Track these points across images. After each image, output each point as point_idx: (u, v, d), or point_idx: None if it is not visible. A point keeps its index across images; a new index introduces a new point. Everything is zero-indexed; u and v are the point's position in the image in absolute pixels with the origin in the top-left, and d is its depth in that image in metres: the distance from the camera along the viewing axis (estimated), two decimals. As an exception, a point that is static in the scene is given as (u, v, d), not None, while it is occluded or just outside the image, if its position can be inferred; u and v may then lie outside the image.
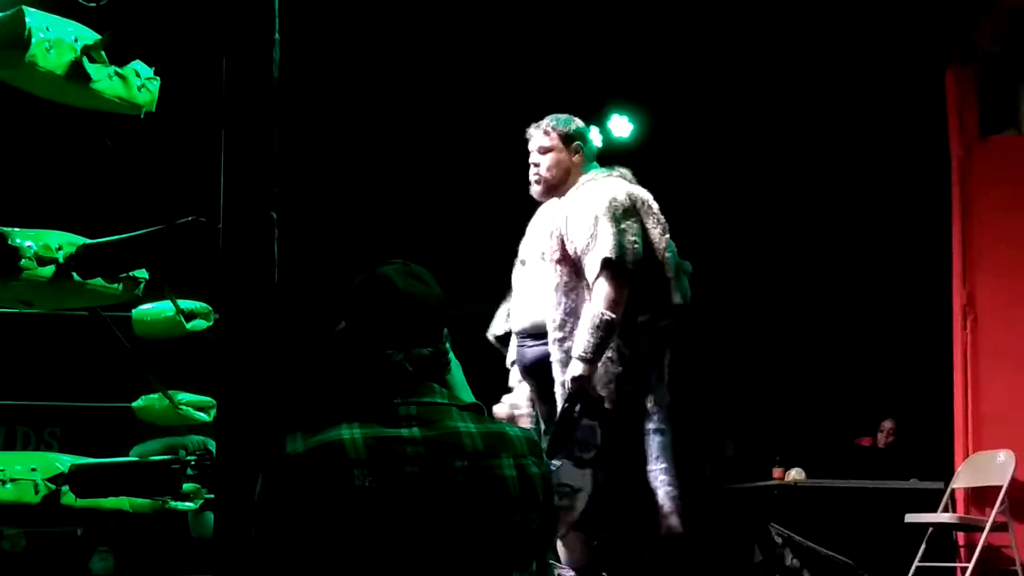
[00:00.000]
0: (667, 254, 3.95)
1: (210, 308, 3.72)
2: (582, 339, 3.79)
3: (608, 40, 7.09)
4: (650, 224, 3.95)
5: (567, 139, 4.07)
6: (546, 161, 4.06)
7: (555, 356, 3.90)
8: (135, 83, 2.41)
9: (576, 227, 3.91)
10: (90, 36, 2.37)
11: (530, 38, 6.99)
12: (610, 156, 4.44)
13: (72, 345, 8.60)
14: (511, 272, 4.24)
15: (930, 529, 6.05)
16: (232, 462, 2.06)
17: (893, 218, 7.95)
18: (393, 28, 6.85)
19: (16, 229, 2.34)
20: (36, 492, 2.29)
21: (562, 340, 3.87)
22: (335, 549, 1.78)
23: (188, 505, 2.91)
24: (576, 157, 4.08)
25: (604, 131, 7.83)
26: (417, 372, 1.90)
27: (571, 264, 3.92)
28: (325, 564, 1.78)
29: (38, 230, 2.36)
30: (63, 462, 2.34)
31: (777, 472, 7.00)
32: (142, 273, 2.42)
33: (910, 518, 6.02)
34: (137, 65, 2.41)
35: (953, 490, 6.15)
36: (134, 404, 4.36)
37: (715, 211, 8.07)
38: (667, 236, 3.96)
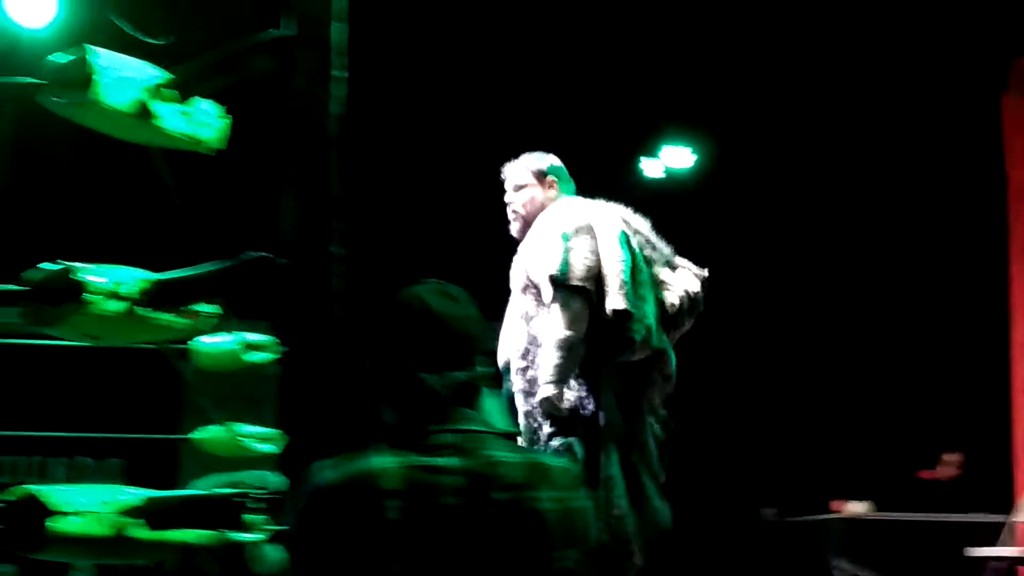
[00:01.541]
0: (620, 279, 3.78)
1: (273, 340, 3.76)
2: (545, 363, 3.70)
3: (668, 68, 7.09)
4: (604, 245, 3.82)
5: (540, 175, 4.07)
6: (521, 198, 4.05)
7: (517, 386, 3.82)
8: (202, 120, 2.45)
9: (534, 252, 3.89)
10: (157, 74, 2.42)
11: (590, 67, 7.01)
12: (669, 188, 4.43)
13: (134, 377, 8.71)
14: None
15: (992, 563, 5.95)
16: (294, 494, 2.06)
17: (951, 246, 7.88)
18: (451, 62, 6.90)
19: (83, 264, 2.37)
20: (105, 525, 2.30)
21: (524, 369, 3.81)
22: None
23: (252, 537, 2.92)
24: (551, 192, 4.06)
25: (662, 162, 7.80)
26: (451, 397, 1.84)
27: (535, 291, 3.88)
28: None
29: (106, 265, 2.39)
30: (132, 495, 2.36)
31: (836, 504, 6.92)
32: (209, 307, 2.44)
33: (971, 552, 5.93)
34: (206, 103, 2.45)
35: (1014, 523, 6.05)
36: (196, 436, 4.41)
37: (773, 239, 8.02)
38: (624, 267, 3.80)
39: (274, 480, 4.71)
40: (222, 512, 2.40)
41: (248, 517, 2.46)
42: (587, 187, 4.22)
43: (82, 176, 7.82)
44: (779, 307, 7.73)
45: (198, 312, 2.49)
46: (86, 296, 2.30)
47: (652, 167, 7.95)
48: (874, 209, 8.00)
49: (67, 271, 2.32)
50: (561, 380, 3.69)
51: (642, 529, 3.78)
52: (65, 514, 2.27)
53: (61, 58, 2.37)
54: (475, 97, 7.08)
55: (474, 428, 1.84)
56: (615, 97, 7.09)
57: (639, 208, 4.15)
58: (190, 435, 4.44)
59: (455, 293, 1.91)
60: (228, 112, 2.45)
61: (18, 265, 2.49)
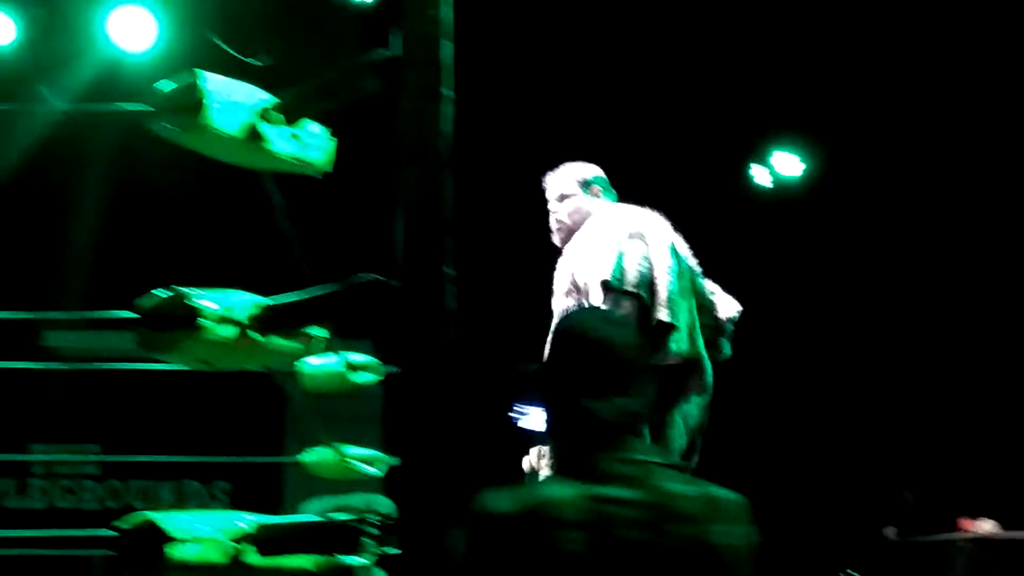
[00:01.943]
0: (668, 289, 3.68)
1: (377, 362, 3.74)
2: None
3: (776, 72, 6.99)
4: (655, 253, 3.72)
5: (585, 185, 4.02)
6: (566, 208, 4.00)
7: None
8: (310, 143, 2.44)
9: (582, 255, 3.83)
10: (265, 97, 2.42)
11: (696, 71, 6.93)
12: (778, 195, 4.34)
13: (238, 400, 8.82)
14: None
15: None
16: (414, 518, 2.04)
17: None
18: (553, 73, 6.88)
19: (196, 289, 2.38)
20: (221, 552, 2.30)
21: None
22: None
23: (361, 561, 2.91)
24: (596, 201, 4.00)
25: (771, 169, 7.70)
26: (617, 424, 1.81)
27: (578, 294, 3.82)
28: None
29: (218, 290, 2.39)
30: (247, 521, 2.35)
31: (965, 523, 6.69)
32: (320, 331, 2.44)
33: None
34: (312, 125, 2.45)
35: None
36: (303, 458, 4.42)
37: (889, 251, 7.85)
38: (672, 276, 3.69)
39: (381, 503, 4.71)
40: (336, 537, 2.38)
41: (362, 541, 2.45)
42: (696, 194, 4.15)
43: (192, 202, 7.94)
44: (899, 317, 7.54)
45: (309, 335, 2.49)
46: (199, 321, 2.30)
47: (761, 174, 7.85)
48: (992, 216, 7.79)
49: (180, 297, 2.33)
50: None
51: None
52: (182, 541, 2.27)
53: (170, 84, 2.38)
54: (579, 108, 7.05)
55: (644, 458, 1.81)
56: (724, 104, 7.00)
57: (750, 215, 4.07)
58: (298, 457, 4.45)
59: (617, 319, 1.91)
60: (337, 134, 2.44)
61: (131, 292, 2.50)
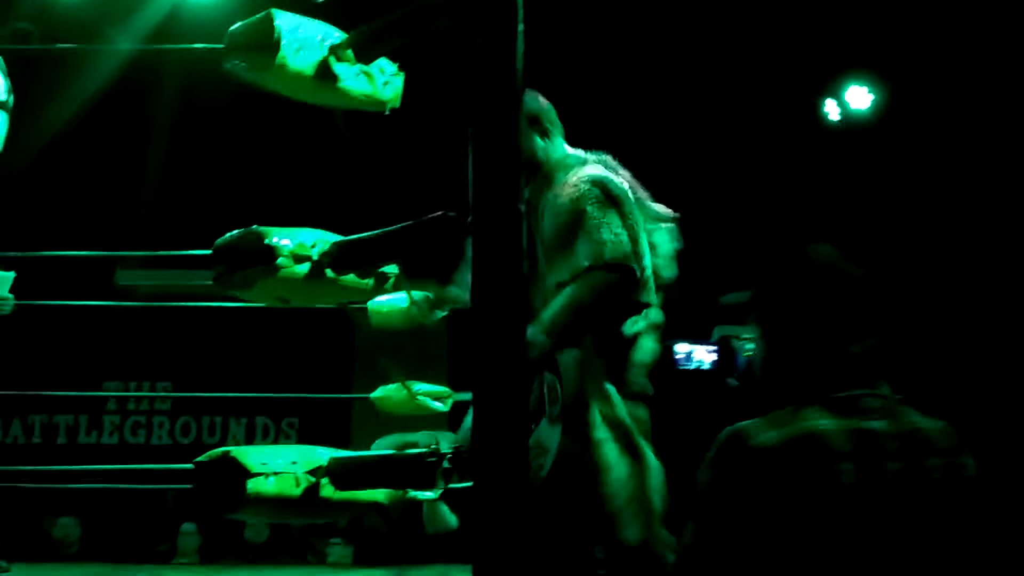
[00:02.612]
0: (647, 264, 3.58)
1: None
2: (552, 309, 3.43)
3: (846, 5, 6.87)
4: (635, 219, 3.60)
5: (533, 122, 3.66)
6: None
7: None
8: (380, 80, 2.44)
9: (556, 218, 3.58)
10: (336, 35, 2.42)
11: (768, 5, 6.84)
12: (848, 129, 4.26)
13: (309, 337, 8.93)
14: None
15: None
16: (491, 453, 2.05)
17: None
18: (627, 15, 6.82)
19: (272, 228, 2.40)
20: (297, 485, 2.33)
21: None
22: (801, 546, 1.71)
23: (430, 495, 2.94)
24: (549, 145, 3.70)
25: (841, 103, 7.60)
26: (868, 361, 1.83)
27: (535, 258, 3.58)
28: (785, 560, 1.71)
29: (293, 228, 2.42)
30: (322, 455, 2.38)
31: None
32: (392, 268, 2.45)
33: None
34: (382, 62, 2.44)
35: None
36: (373, 395, 4.47)
37: (957, 183, 7.72)
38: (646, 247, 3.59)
39: (447, 440, 4.76)
40: (409, 470, 2.40)
41: (435, 475, 2.47)
42: (769, 129, 4.09)
43: (262, 140, 7.99)
44: (967, 249, 7.41)
45: (382, 273, 2.51)
46: (275, 259, 2.33)
47: (831, 108, 7.76)
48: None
49: (257, 236, 2.35)
50: (553, 334, 3.41)
51: None
52: (260, 474, 2.30)
53: (244, 23, 2.39)
54: (650, 42, 6.98)
55: (891, 395, 1.82)
56: (795, 39, 6.90)
57: (822, 149, 3.99)
58: (369, 394, 4.50)
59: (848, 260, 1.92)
60: (409, 70, 2.44)
61: (208, 231, 2.53)
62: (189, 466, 2.49)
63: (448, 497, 2.87)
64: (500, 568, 2.02)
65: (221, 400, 9.12)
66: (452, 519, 5.84)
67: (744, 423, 1.77)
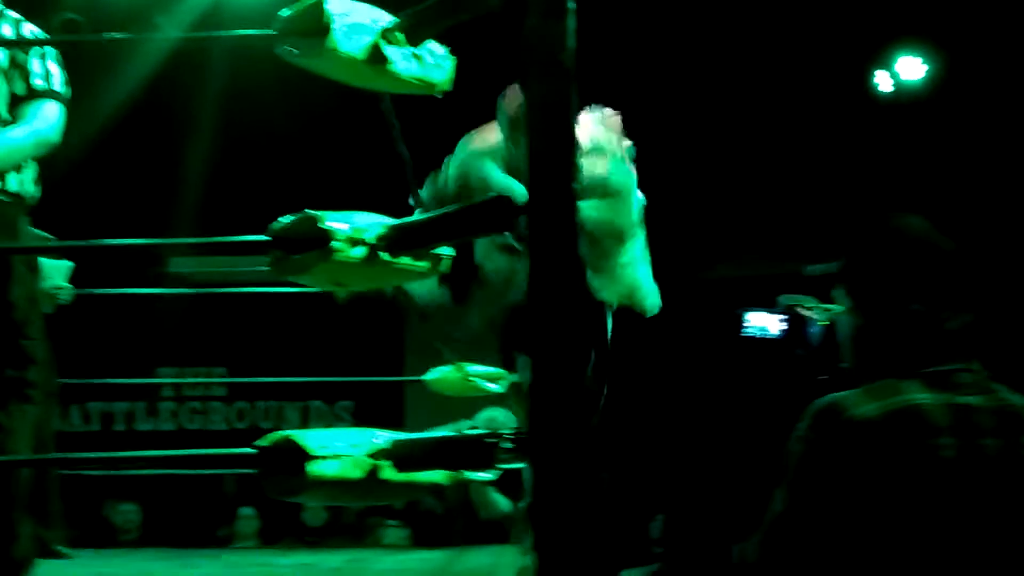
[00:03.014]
0: None
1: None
2: None
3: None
4: None
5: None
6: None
7: None
8: (431, 63, 2.44)
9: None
10: (387, 18, 2.42)
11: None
12: (900, 101, 4.22)
13: (362, 320, 8.98)
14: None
15: None
16: (550, 433, 2.05)
17: None
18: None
19: (326, 212, 2.41)
20: (357, 468, 2.34)
21: None
22: (896, 520, 1.70)
23: (485, 476, 2.95)
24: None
25: (893, 73, 7.52)
26: (963, 337, 1.83)
27: None
28: (879, 533, 1.70)
29: (347, 212, 2.42)
30: (381, 437, 2.39)
31: None
32: (447, 250, 2.46)
33: None
34: (432, 44, 2.44)
35: None
36: (427, 376, 4.48)
37: (1009, 156, 7.63)
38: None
39: (504, 419, 4.78)
40: (468, 452, 2.41)
41: (493, 456, 2.48)
42: (818, 100, 4.07)
43: (310, 125, 8.02)
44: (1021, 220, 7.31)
45: (437, 255, 2.51)
46: (330, 243, 2.33)
47: (884, 80, 7.69)
48: None
49: (311, 219, 2.36)
50: None
51: None
52: (321, 457, 2.32)
53: (294, 8, 2.40)
54: (701, 11, 6.94)
55: (982, 371, 1.82)
56: (846, 8, 6.83)
57: (873, 122, 3.98)
58: (423, 376, 4.52)
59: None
60: (458, 53, 2.44)
61: (260, 217, 2.54)
62: (248, 450, 2.51)
63: (502, 481, 2.87)
64: (562, 549, 2.02)
65: (276, 385, 9.20)
66: (505, 503, 5.86)
67: (839, 394, 1.77)
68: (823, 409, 1.75)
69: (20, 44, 2.88)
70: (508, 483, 3.87)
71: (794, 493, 1.74)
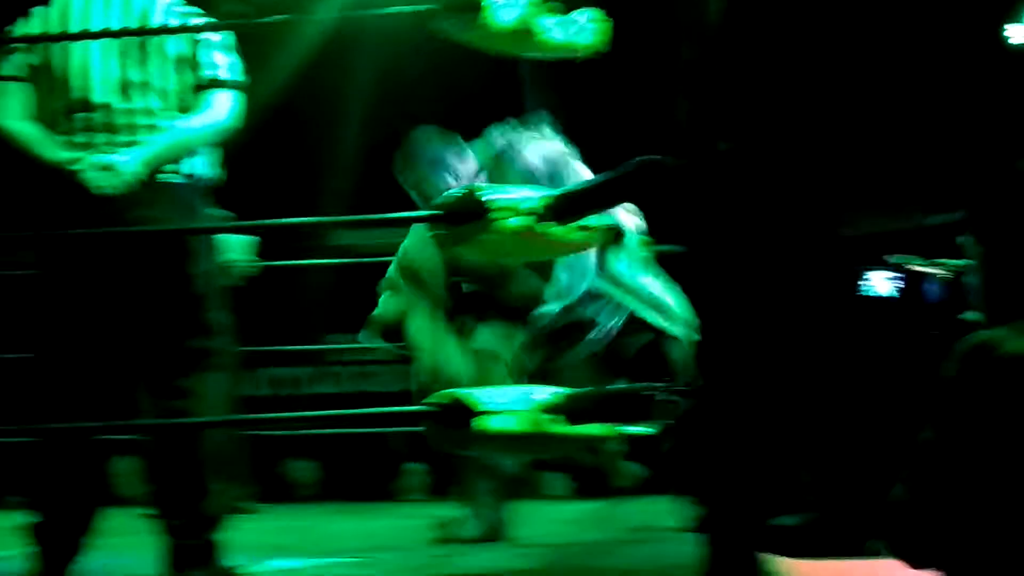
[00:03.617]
0: None
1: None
2: None
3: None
4: None
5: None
6: None
7: None
8: (584, 28, 2.52)
9: None
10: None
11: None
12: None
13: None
14: None
15: None
16: (715, 387, 2.11)
17: None
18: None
19: (485, 185, 2.53)
20: (524, 422, 2.47)
21: None
22: None
23: (645, 430, 3.04)
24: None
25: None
26: None
27: None
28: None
29: (504, 185, 2.54)
30: (544, 392, 2.51)
31: None
32: (605, 218, 2.54)
33: None
34: (585, 10, 2.52)
35: None
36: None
37: None
38: None
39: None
40: (631, 406, 2.51)
41: (654, 410, 2.58)
42: (946, 58, 4.01)
43: (467, 99, 8.13)
44: None
45: (592, 226, 2.60)
46: (491, 216, 2.45)
47: (1017, 33, 7.46)
48: None
49: (471, 193, 2.48)
50: None
51: None
52: (489, 413, 2.45)
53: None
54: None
55: None
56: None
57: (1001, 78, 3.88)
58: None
59: None
60: (611, 16, 2.50)
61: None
62: (417, 408, 2.66)
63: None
64: (721, 497, 2.10)
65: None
66: (636, 469, 5.94)
67: (986, 332, 1.75)
68: (972, 348, 1.75)
69: (188, 32, 2.98)
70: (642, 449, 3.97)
71: (944, 433, 1.75)
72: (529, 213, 2.45)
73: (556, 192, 2.50)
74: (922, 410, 1.80)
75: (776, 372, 2.62)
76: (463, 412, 2.48)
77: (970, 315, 1.97)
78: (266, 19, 3.31)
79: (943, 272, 3.90)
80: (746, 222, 2.15)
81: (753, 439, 2.03)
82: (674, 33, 2.17)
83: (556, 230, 2.50)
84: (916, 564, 1.79)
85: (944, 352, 1.84)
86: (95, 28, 2.88)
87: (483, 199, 2.45)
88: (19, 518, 2.98)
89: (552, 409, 2.51)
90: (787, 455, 3.63)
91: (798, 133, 3.85)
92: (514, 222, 2.47)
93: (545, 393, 2.49)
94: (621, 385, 2.64)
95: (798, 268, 2.31)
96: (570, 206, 2.45)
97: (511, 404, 2.50)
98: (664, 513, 4.08)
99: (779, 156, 3.69)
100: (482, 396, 2.51)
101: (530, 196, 2.48)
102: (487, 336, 3.82)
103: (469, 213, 2.48)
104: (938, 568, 1.78)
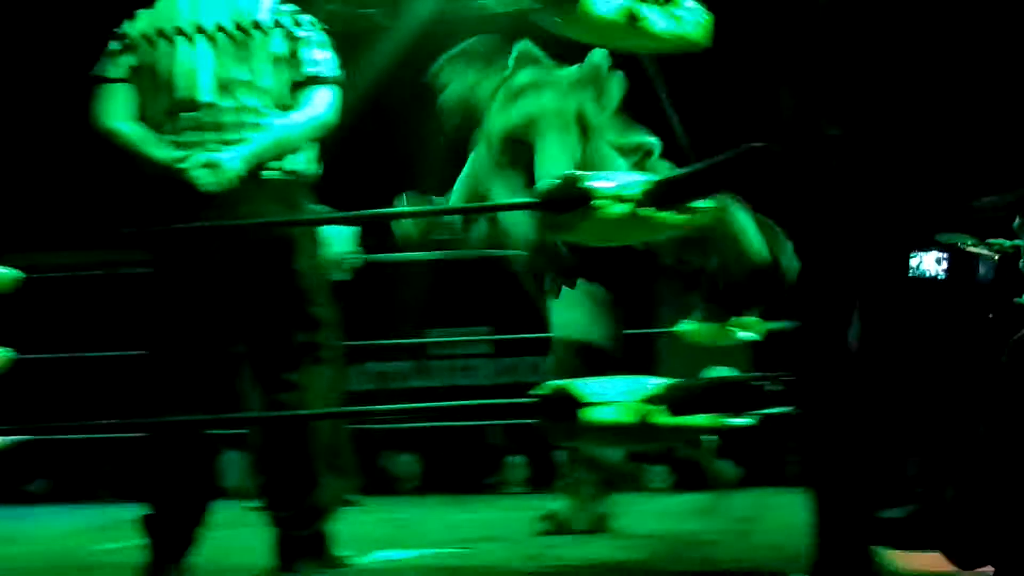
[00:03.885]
0: None
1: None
2: None
3: None
4: None
5: None
6: None
7: None
8: (688, 20, 2.50)
9: None
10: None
11: None
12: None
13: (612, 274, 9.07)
14: None
15: None
16: (818, 377, 2.10)
17: None
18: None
19: (588, 172, 2.52)
20: (630, 413, 2.45)
21: None
22: None
23: (746, 421, 2.99)
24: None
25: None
26: None
27: None
28: None
29: (608, 172, 2.52)
30: (651, 384, 2.49)
31: None
32: (708, 203, 2.51)
33: None
34: (688, 1, 2.50)
35: None
36: (680, 327, 4.53)
37: None
38: None
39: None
40: (735, 396, 2.48)
41: (757, 401, 2.53)
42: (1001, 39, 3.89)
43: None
44: None
45: (697, 208, 2.57)
46: (593, 202, 2.43)
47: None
48: None
49: (574, 179, 2.47)
50: None
51: None
52: (595, 404, 2.43)
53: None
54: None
55: None
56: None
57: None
58: (676, 327, 4.57)
59: None
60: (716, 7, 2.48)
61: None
62: (522, 400, 2.65)
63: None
64: (834, 489, 2.07)
65: (538, 341, 9.40)
66: (732, 473, 5.86)
67: None
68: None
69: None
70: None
71: (996, 427, 1.73)
72: (631, 200, 2.42)
73: (658, 178, 2.48)
74: (980, 401, 1.78)
75: (883, 364, 2.56)
76: (570, 403, 2.47)
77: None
78: (363, 10, 3.32)
79: (993, 253, 3.79)
80: (854, 208, 2.11)
81: (863, 431, 1.99)
82: (779, 20, 2.14)
83: (660, 214, 2.48)
84: (966, 565, 1.76)
85: (1001, 337, 1.81)
86: (201, 29, 2.92)
87: (585, 186, 2.44)
88: (129, 511, 3.04)
89: (656, 399, 2.48)
90: (894, 447, 3.57)
91: (904, 119, 3.78)
92: (619, 208, 2.45)
93: (649, 383, 2.47)
94: (724, 374, 2.59)
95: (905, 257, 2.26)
96: (673, 192, 2.42)
97: (619, 395, 2.48)
98: (767, 506, 4.04)
99: (890, 141, 3.62)
100: (590, 387, 2.50)
101: (632, 181, 2.46)
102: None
103: (572, 200, 2.47)
104: (990, 565, 1.75)
